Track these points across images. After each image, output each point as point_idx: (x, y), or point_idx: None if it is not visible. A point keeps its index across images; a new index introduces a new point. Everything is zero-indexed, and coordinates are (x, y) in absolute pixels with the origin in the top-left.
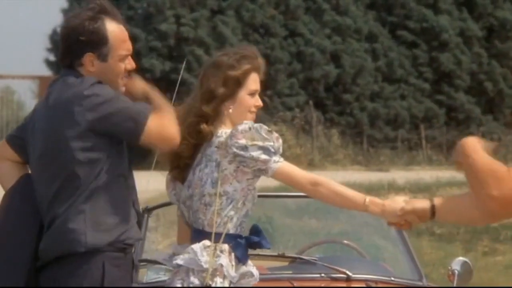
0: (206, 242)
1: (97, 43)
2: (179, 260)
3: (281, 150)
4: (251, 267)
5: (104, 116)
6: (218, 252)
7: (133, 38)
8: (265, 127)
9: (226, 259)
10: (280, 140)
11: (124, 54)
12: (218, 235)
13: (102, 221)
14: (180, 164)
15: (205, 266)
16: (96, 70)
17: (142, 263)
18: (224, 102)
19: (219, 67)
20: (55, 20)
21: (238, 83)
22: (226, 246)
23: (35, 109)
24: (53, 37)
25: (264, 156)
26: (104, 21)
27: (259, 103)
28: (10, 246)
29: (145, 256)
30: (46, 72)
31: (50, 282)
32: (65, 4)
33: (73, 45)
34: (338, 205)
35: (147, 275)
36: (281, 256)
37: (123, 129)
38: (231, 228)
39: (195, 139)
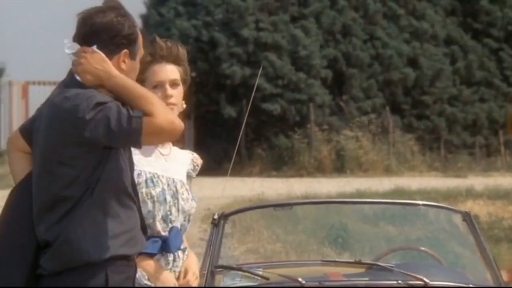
0: None
1: (133, 40)
2: None
3: None
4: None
5: (103, 135)
6: None
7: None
8: None
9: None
10: None
11: (142, 53)
12: None
13: (104, 232)
14: None
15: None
16: (127, 68)
17: (218, 269)
18: None
19: None
20: None
21: (140, 79)
22: None
23: (42, 106)
24: None
25: None
26: (130, 18)
27: (167, 93)
28: (11, 244)
29: (221, 262)
30: None
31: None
32: (143, 10)
33: (109, 41)
34: None
35: (223, 281)
36: (358, 263)
37: (122, 145)
38: None
39: None
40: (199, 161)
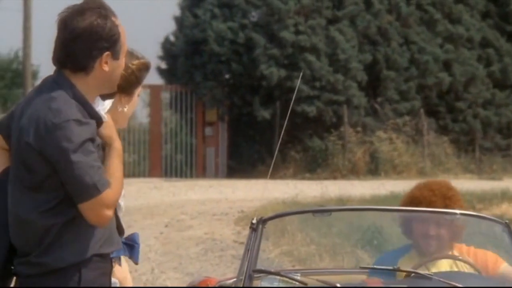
0: None
1: (114, 40)
2: None
3: None
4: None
5: (64, 162)
6: None
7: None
8: None
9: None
10: None
11: (126, 49)
12: None
13: (82, 236)
14: None
15: None
16: (109, 69)
17: (256, 274)
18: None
19: None
20: (167, 27)
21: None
22: None
23: (25, 99)
24: (165, 45)
25: None
26: (111, 17)
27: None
28: None
29: (258, 266)
30: (158, 80)
31: None
32: (177, 12)
33: (92, 45)
34: None
35: (260, 285)
36: (396, 270)
37: (75, 185)
38: None
39: None
40: None
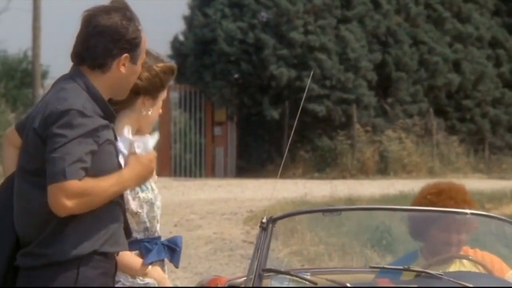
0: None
1: (135, 44)
2: None
3: None
4: None
5: (53, 141)
6: None
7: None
8: None
9: None
10: None
11: (144, 57)
12: None
13: (85, 232)
14: None
15: None
16: (126, 72)
17: (266, 273)
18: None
19: None
20: (176, 27)
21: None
22: None
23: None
24: (175, 44)
25: None
26: (135, 21)
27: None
28: None
29: (267, 265)
30: None
31: (25, 284)
32: (186, 11)
33: (113, 44)
34: None
35: (270, 284)
36: (406, 270)
37: (49, 167)
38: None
39: None
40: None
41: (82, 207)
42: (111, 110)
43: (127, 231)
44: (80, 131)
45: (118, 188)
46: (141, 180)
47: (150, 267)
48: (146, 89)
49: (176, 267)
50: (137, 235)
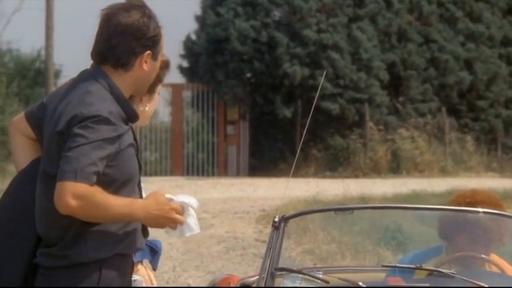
0: None
1: (156, 41)
2: None
3: None
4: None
5: (72, 140)
6: None
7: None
8: None
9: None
10: None
11: (163, 52)
12: None
13: (107, 233)
14: None
15: None
16: (148, 69)
17: (278, 272)
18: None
19: None
20: (188, 26)
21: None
22: None
23: (58, 92)
24: (187, 43)
25: None
26: (154, 18)
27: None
28: (10, 237)
29: (280, 264)
30: (179, 79)
31: (45, 284)
32: (198, 11)
33: (136, 42)
34: None
35: (283, 283)
36: (418, 269)
37: (62, 164)
38: None
39: None
40: None
41: (84, 212)
42: (134, 110)
43: (145, 231)
44: (100, 136)
45: (125, 212)
46: (152, 219)
47: (139, 265)
48: None
49: (154, 269)
50: None
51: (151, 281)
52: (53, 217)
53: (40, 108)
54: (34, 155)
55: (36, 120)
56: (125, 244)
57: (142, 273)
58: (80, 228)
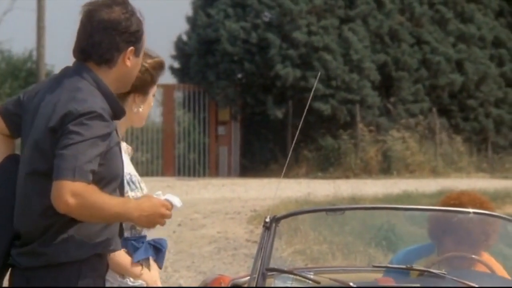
0: None
1: (139, 37)
2: None
3: None
4: None
5: (67, 137)
6: None
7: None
8: None
9: None
10: None
11: (144, 50)
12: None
13: (87, 233)
14: None
15: None
16: (131, 65)
17: (269, 272)
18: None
19: None
20: (179, 27)
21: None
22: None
23: (39, 89)
24: (178, 44)
25: None
26: (136, 13)
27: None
28: None
29: (271, 264)
30: (171, 79)
31: (23, 283)
32: (189, 12)
33: (119, 38)
34: None
35: (274, 283)
36: (409, 269)
37: (59, 161)
38: None
39: None
40: (131, 150)
41: (81, 210)
42: (121, 106)
43: (120, 230)
44: (95, 133)
45: (120, 211)
46: (145, 218)
47: (142, 268)
48: (137, 86)
49: (160, 267)
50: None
51: (155, 282)
52: (36, 214)
53: (17, 104)
54: (8, 151)
55: (12, 116)
56: (104, 244)
57: (146, 278)
58: (62, 226)
